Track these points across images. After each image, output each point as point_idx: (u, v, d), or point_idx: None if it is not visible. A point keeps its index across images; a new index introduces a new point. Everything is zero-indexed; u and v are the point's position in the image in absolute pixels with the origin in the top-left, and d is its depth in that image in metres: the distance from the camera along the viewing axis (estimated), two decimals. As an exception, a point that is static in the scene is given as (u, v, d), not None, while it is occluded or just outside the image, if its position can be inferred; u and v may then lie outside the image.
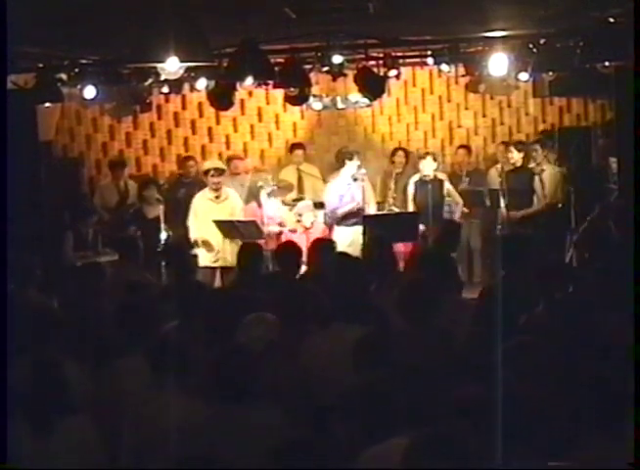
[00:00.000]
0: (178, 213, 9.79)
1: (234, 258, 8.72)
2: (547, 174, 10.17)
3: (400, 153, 11.14)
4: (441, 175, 10.37)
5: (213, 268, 9.45)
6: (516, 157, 10.25)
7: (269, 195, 9.59)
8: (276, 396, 4.21)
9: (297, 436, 3.61)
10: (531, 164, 10.35)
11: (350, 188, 9.50)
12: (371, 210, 9.71)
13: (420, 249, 8.92)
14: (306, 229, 9.45)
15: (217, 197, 9.58)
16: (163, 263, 8.37)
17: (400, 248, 8.75)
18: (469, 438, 3.26)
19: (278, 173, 11.07)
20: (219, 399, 4.08)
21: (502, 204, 9.81)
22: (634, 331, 4.25)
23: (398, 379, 3.88)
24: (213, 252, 9.43)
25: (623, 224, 6.87)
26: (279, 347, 4.79)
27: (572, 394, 3.91)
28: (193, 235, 9.50)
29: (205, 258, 9.41)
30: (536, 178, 10.12)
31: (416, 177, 10.27)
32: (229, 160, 11.06)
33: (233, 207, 9.61)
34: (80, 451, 4.07)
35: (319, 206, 10.11)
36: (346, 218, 9.56)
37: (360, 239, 8.70)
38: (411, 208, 10.16)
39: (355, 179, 9.47)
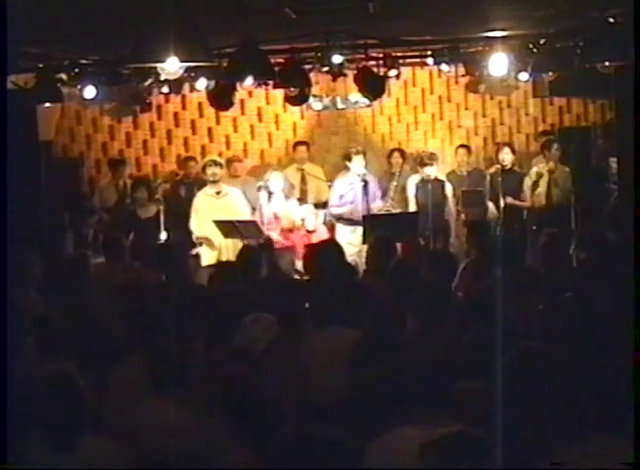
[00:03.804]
0: (178, 213, 9.78)
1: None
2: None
3: (396, 154, 11.16)
4: (442, 176, 10.39)
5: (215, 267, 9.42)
6: (508, 158, 10.26)
7: (271, 195, 9.56)
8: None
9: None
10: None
11: (354, 188, 9.46)
12: (374, 210, 9.67)
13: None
14: (309, 232, 9.46)
15: (217, 193, 9.57)
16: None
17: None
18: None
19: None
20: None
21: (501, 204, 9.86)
22: (634, 330, 4.25)
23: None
24: (216, 250, 9.42)
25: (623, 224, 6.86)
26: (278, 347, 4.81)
27: (572, 394, 3.91)
28: (195, 234, 9.49)
29: (207, 258, 9.40)
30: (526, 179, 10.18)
31: (417, 178, 10.28)
32: (228, 162, 11.05)
33: (234, 203, 9.57)
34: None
35: (322, 206, 10.11)
36: (343, 219, 9.55)
37: (359, 238, 8.72)
38: (412, 208, 10.17)
39: (360, 178, 9.42)
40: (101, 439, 4.00)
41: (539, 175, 10.15)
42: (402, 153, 11.23)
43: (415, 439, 3.37)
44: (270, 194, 9.43)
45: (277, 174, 9.56)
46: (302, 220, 9.48)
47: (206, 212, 9.42)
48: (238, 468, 3.69)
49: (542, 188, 10.14)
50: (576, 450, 3.52)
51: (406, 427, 3.66)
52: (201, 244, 9.44)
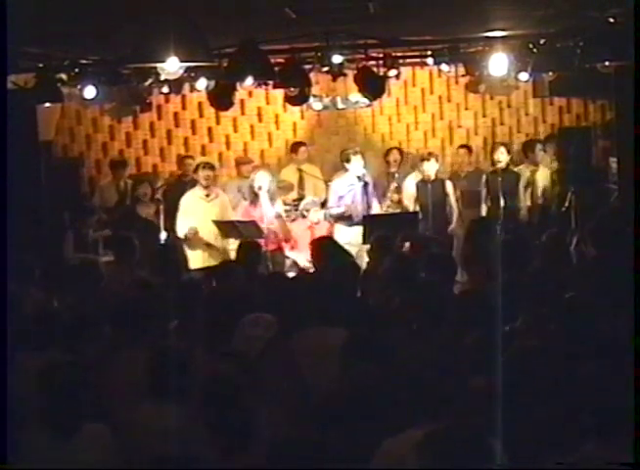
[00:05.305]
0: (176, 212, 9.76)
1: (224, 257, 8.75)
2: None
3: (395, 151, 11.16)
4: (442, 176, 10.38)
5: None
6: (503, 158, 10.24)
7: (269, 194, 9.51)
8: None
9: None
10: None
11: (353, 189, 9.45)
12: (373, 210, 9.65)
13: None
14: (314, 223, 9.47)
15: (207, 195, 9.49)
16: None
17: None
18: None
19: (278, 173, 11.06)
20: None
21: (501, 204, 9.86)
22: (634, 330, 4.25)
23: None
24: (204, 248, 9.38)
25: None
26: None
27: (573, 395, 3.91)
28: (179, 233, 9.40)
29: (194, 257, 9.32)
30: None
31: (417, 177, 10.27)
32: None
33: (222, 205, 9.51)
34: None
35: (320, 205, 10.11)
36: (342, 219, 9.54)
37: (359, 238, 8.70)
38: (412, 208, 10.16)
39: (359, 179, 9.39)
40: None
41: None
42: (400, 151, 11.23)
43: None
44: (256, 194, 9.26)
45: (263, 173, 9.44)
46: (307, 211, 9.53)
47: (193, 213, 9.34)
48: (235, 468, 3.69)
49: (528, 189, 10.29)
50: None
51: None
52: (187, 242, 9.39)
